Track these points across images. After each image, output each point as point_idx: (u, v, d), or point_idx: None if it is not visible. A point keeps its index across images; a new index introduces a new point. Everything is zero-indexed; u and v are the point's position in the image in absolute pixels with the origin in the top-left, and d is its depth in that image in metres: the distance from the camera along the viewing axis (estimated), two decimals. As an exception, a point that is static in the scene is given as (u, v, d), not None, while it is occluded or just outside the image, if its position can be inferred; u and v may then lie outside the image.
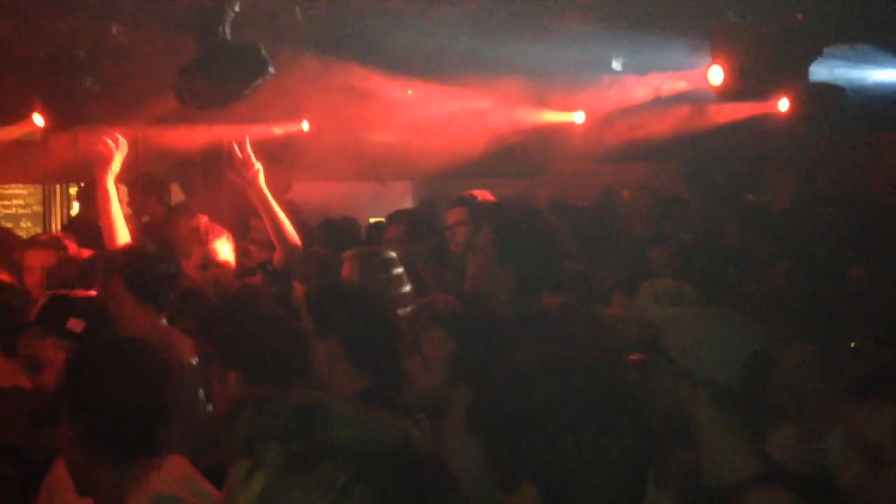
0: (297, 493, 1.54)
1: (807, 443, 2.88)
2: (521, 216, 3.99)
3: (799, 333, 3.68)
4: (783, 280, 4.93)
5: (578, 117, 10.34)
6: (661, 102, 9.45)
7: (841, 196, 8.88)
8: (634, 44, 8.07)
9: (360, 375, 3.31)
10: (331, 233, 7.03)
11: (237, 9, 6.08)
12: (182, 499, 2.53)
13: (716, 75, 6.50)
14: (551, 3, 7.12)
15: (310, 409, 1.61)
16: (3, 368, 3.63)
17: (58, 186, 9.89)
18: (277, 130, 10.41)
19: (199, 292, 4.75)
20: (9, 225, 9.53)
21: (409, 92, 9.63)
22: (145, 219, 7.94)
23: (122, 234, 4.94)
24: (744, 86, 6.49)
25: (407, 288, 4.68)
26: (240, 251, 5.56)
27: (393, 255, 4.90)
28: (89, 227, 7.33)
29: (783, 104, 8.31)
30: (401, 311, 4.55)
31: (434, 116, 10.10)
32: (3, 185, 10.45)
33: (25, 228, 10.26)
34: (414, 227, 6.34)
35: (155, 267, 4.20)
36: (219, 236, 5.06)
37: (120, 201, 5.21)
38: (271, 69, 6.10)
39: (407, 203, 12.62)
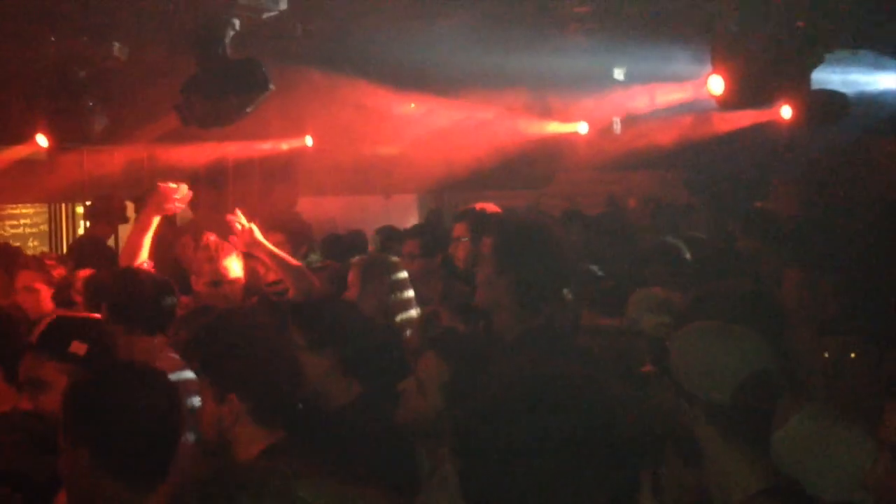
0: None
1: None
2: (521, 227, 3.94)
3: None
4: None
5: (582, 128, 10.34)
6: (665, 112, 9.44)
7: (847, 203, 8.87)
8: (636, 54, 8.08)
9: (350, 387, 3.41)
10: (336, 246, 7.05)
11: (237, 27, 6.11)
12: None
13: (716, 84, 6.48)
14: (553, 14, 7.12)
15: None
16: (3, 392, 3.60)
17: (63, 205, 9.93)
18: (283, 146, 10.46)
19: (203, 311, 4.75)
20: (17, 244, 9.58)
21: (412, 105, 9.65)
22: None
23: (142, 258, 4.99)
24: (744, 94, 6.47)
25: (410, 293, 4.75)
26: (248, 270, 5.61)
27: (396, 259, 4.97)
28: (96, 245, 7.37)
29: (786, 111, 8.29)
30: (403, 316, 4.61)
31: (438, 129, 10.13)
32: (10, 205, 10.51)
33: (33, 247, 10.31)
34: (429, 241, 6.38)
35: (143, 294, 4.15)
36: (228, 254, 5.09)
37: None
38: (271, 86, 6.12)
39: (413, 215, 12.64)
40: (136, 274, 4.40)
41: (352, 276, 4.82)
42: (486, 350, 3.22)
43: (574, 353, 3.68)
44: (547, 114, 10.38)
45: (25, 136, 8.11)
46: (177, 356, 3.86)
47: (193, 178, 9.70)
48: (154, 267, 5.04)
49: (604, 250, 6.80)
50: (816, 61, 6.93)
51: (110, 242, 8.41)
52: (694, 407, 2.54)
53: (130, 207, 8.59)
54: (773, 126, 9.10)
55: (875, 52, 8.01)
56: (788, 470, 2.57)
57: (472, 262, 5.09)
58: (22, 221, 10.64)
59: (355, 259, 5.11)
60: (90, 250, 7.00)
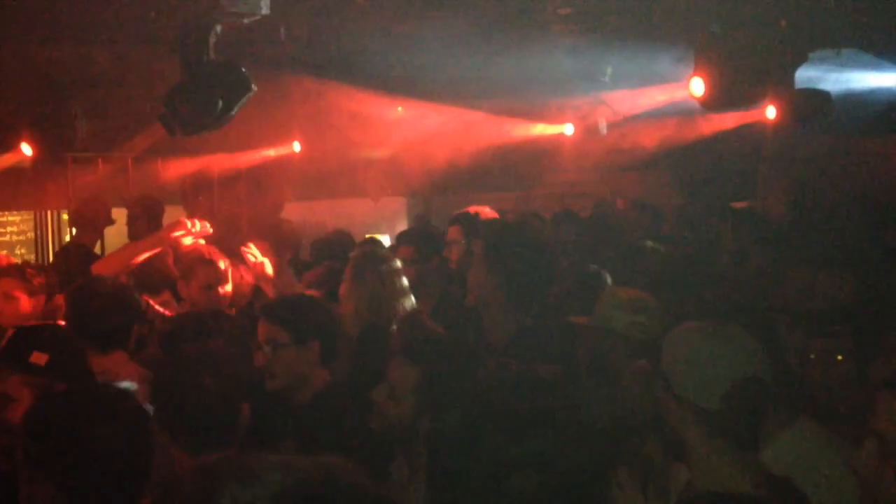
0: None
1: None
2: (509, 228, 3.97)
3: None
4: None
5: (568, 129, 10.35)
6: (651, 113, 9.46)
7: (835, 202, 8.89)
8: (622, 55, 8.08)
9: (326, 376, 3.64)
10: (325, 248, 7.05)
11: (219, 31, 6.08)
12: None
13: (697, 86, 6.49)
14: (537, 16, 7.12)
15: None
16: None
17: (49, 213, 9.89)
18: (271, 153, 10.46)
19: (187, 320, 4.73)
20: (4, 252, 9.54)
21: (399, 109, 9.66)
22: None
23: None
24: (728, 95, 6.47)
25: (404, 281, 4.78)
26: (236, 277, 5.62)
27: (386, 249, 5.00)
28: (81, 253, 7.34)
29: (770, 111, 8.31)
30: (401, 304, 4.63)
31: (425, 133, 10.13)
32: (-2, 213, 10.48)
33: (21, 255, 10.27)
34: (424, 246, 6.42)
35: (92, 310, 4.00)
36: (219, 258, 5.10)
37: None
38: (254, 86, 6.12)
39: (402, 219, 12.65)
40: (91, 289, 4.20)
41: (346, 271, 4.86)
42: (464, 354, 3.21)
43: (561, 354, 3.69)
44: (533, 116, 10.39)
45: (10, 145, 8.07)
46: (140, 372, 3.83)
47: (180, 183, 9.75)
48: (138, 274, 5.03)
49: (595, 251, 6.84)
50: (800, 61, 6.95)
51: (97, 248, 8.37)
52: (682, 407, 2.53)
53: (115, 212, 8.57)
54: (759, 126, 9.13)
55: (858, 51, 8.03)
56: (667, 370, 2.55)
57: (466, 265, 5.15)
58: (9, 229, 10.60)
59: (353, 253, 5.19)
60: (76, 259, 6.97)
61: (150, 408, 2.89)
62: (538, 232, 4.05)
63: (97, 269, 4.93)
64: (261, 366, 3.65)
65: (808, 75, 8.02)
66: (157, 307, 4.90)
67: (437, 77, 8.63)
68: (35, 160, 8.10)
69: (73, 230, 8.37)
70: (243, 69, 5.90)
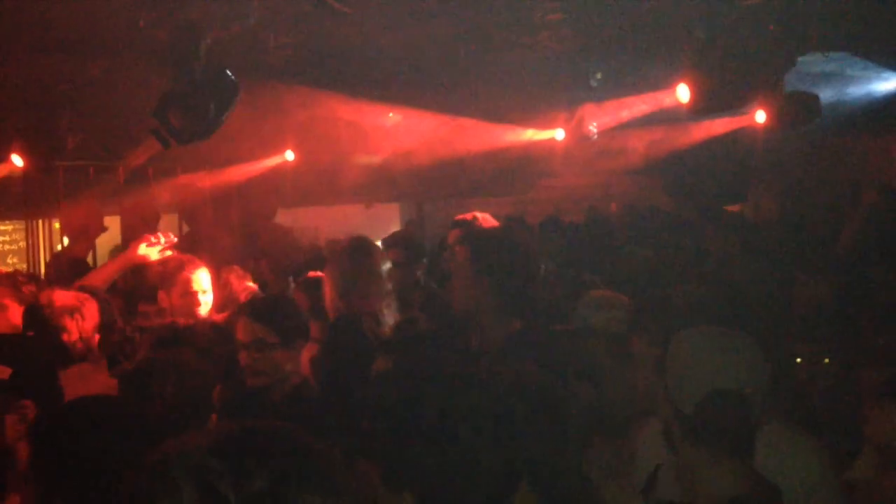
0: None
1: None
2: (493, 234, 3.99)
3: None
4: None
5: (559, 135, 10.37)
6: (640, 118, 9.47)
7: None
8: (611, 61, 8.10)
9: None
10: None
11: (210, 39, 6.09)
12: None
13: (684, 92, 6.50)
14: (526, 23, 7.13)
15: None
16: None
17: (41, 221, 9.88)
18: (265, 163, 10.48)
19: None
20: (-4, 261, 9.56)
21: (391, 115, 9.67)
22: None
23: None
24: (716, 100, 6.48)
25: (382, 272, 4.77)
26: (222, 284, 5.64)
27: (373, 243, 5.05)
28: (71, 264, 7.33)
29: (760, 116, 8.33)
30: (373, 291, 4.61)
31: (416, 139, 10.15)
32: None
33: (13, 264, 10.26)
34: (410, 249, 6.46)
35: (42, 326, 3.93)
36: (197, 267, 5.11)
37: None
38: (241, 90, 6.14)
39: (395, 224, 12.66)
40: (43, 304, 4.10)
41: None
42: (446, 355, 3.25)
43: (548, 359, 3.71)
44: (524, 121, 10.41)
45: (1, 155, 8.06)
46: (109, 383, 3.81)
47: (172, 191, 9.75)
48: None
49: (585, 257, 6.86)
50: (789, 65, 6.95)
51: (90, 257, 8.38)
52: (669, 404, 2.54)
53: (107, 220, 8.58)
54: (750, 129, 9.15)
55: (847, 54, 8.05)
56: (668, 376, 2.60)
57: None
58: (1, 239, 10.59)
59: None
60: (66, 270, 6.96)
61: None
62: (522, 237, 4.06)
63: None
64: (244, 365, 3.68)
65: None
66: (142, 316, 4.91)
67: (427, 83, 8.65)
68: (26, 169, 8.09)
69: (65, 240, 8.38)
70: (230, 74, 5.91)
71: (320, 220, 11.21)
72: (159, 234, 5.15)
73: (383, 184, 11.34)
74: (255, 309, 3.85)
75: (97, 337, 4.02)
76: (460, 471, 2.04)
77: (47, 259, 9.41)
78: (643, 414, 3.05)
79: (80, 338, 3.92)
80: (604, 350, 3.38)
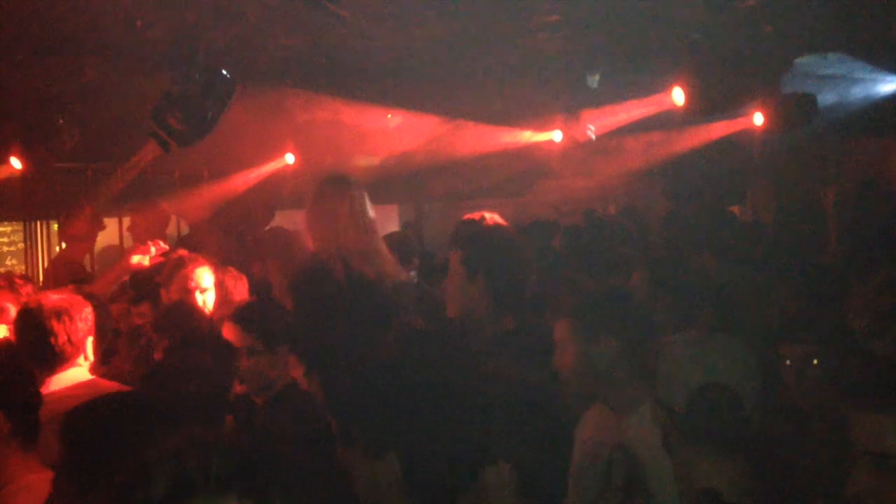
0: None
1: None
2: (486, 235, 3.99)
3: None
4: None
5: (557, 136, 10.37)
6: (639, 121, 9.47)
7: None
8: (609, 62, 8.10)
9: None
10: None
11: (207, 42, 6.10)
12: None
13: (679, 95, 6.51)
14: (524, 23, 7.13)
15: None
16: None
17: (40, 223, 9.88)
18: (265, 168, 10.49)
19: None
20: (-6, 263, 9.57)
21: (389, 116, 9.68)
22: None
23: None
24: (712, 103, 6.48)
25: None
26: (217, 284, 5.63)
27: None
28: (69, 267, 7.34)
29: (758, 118, 8.32)
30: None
31: (415, 140, 10.15)
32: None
33: (12, 266, 10.26)
34: (403, 250, 6.47)
35: (50, 332, 3.87)
36: (199, 265, 5.11)
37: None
38: (237, 91, 6.16)
39: (393, 226, 12.66)
40: (34, 310, 4.01)
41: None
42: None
43: (542, 358, 3.72)
44: (522, 123, 10.41)
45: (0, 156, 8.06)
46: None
47: (170, 190, 9.76)
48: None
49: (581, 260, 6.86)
50: (786, 67, 6.96)
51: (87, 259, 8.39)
52: (662, 408, 2.57)
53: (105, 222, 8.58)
54: (748, 132, 9.14)
55: (844, 55, 8.05)
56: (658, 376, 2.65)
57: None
58: (0, 240, 10.59)
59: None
60: (63, 273, 6.97)
61: None
62: (513, 237, 4.06)
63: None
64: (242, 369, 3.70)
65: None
66: (139, 315, 4.91)
67: (425, 85, 8.65)
68: (24, 170, 8.10)
69: (62, 244, 8.38)
70: (225, 72, 5.92)
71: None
72: (149, 245, 5.16)
73: (381, 185, 11.34)
74: (241, 316, 3.88)
75: (91, 340, 4.01)
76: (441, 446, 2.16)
77: (46, 261, 9.42)
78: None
79: (69, 341, 3.87)
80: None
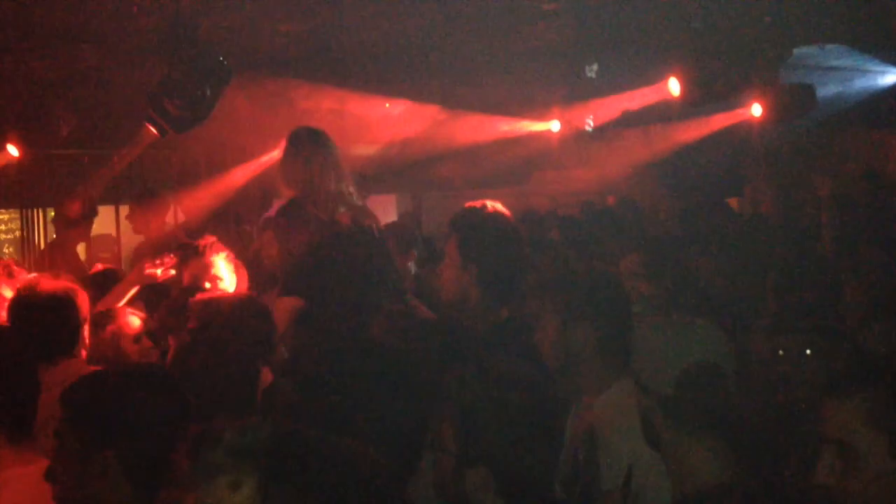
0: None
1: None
2: (482, 221, 3.97)
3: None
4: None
5: (554, 126, 10.35)
6: (637, 110, 9.44)
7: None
8: (608, 52, 8.08)
9: None
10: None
11: (203, 28, 6.09)
12: None
13: (674, 85, 6.49)
14: (522, 12, 7.12)
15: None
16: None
17: (37, 210, 9.86)
18: (262, 158, 10.45)
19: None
20: (-9, 250, 9.56)
21: (387, 105, 9.66)
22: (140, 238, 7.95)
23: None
24: (711, 92, 6.46)
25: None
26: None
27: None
28: (63, 254, 7.32)
29: (756, 109, 8.30)
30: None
31: (413, 129, 10.13)
32: (-16, 212, 10.45)
33: (9, 253, 10.26)
34: (402, 239, 6.47)
35: (44, 320, 3.83)
36: (216, 252, 5.05)
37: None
38: (231, 71, 6.14)
39: (392, 216, 12.63)
40: (28, 297, 3.97)
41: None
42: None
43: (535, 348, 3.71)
44: (519, 112, 10.39)
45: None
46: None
47: (167, 178, 9.74)
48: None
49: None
50: (784, 57, 6.94)
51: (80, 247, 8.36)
52: (648, 397, 2.56)
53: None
54: (746, 123, 9.12)
55: (843, 46, 8.03)
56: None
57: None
58: (-1, 228, 10.60)
59: None
60: (59, 260, 6.95)
61: None
62: (509, 225, 4.05)
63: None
64: None
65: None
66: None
67: (423, 74, 8.64)
68: (21, 158, 8.07)
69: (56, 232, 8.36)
70: (221, 57, 5.91)
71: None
72: (157, 260, 5.11)
73: (379, 175, 11.32)
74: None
75: (84, 328, 3.99)
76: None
77: (43, 247, 9.40)
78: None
79: (66, 327, 3.86)
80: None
